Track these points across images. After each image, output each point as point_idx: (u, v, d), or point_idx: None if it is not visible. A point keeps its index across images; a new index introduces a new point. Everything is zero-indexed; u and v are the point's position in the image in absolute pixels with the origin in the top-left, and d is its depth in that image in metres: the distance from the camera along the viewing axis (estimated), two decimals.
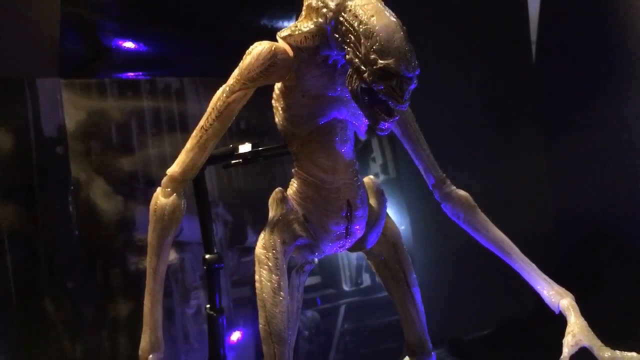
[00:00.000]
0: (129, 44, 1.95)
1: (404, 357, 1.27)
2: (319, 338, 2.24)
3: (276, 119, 1.10)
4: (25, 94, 1.81)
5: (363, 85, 0.93)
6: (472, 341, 2.56)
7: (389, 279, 1.22)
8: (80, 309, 1.85)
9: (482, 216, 1.18)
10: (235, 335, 2.13)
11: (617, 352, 1.00)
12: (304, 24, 1.00)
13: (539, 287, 1.12)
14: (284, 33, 1.02)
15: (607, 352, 1.00)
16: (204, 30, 2.07)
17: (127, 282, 1.91)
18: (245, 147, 1.27)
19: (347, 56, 0.94)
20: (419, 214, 2.55)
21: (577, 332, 1.03)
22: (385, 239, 1.19)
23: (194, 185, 1.51)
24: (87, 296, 1.87)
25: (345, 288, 2.34)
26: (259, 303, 1.03)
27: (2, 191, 1.81)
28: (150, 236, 1.08)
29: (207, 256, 1.53)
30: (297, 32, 1.00)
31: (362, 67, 0.91)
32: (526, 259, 1.14)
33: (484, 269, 2.72)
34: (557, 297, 1.09)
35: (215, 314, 1.53)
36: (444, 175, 1.20)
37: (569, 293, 1.09)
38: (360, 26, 0.91)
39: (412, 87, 0.92)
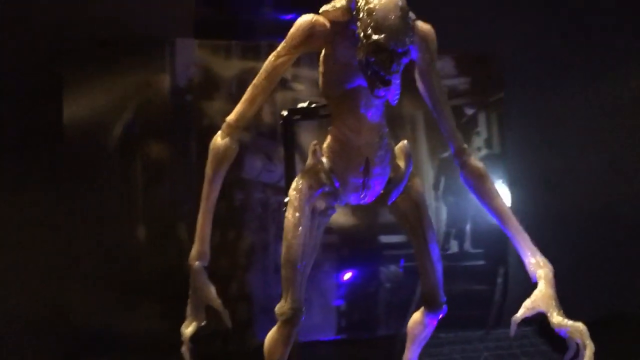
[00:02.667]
0: (253, 12, 2.25)
1: (420, 307, 1.40)
2: (400, 292, 2.39)
3: (319, 83, 1.29)
4: (166, 50, 2.21)
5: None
6: None
7: (408, 233, 1.34)
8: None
9: (490, 186, 1.26)
10: (347, 275, 2.38)
11: (567, 320, 1.05)
12: (338, 2, 1.17)
13: (524, 255, 1.19)
14: (324, 8, 1.20)
15: (557, 318, 1.06)
16: (321, 3, 2.28)
17: (232, 214, 2.26)
18: (304, 105, 1.49)
19: (357, 30, 1.10)
20: (523, 192, 2.54)
21: (538, 298, 1.10)
22: (409, 197, 1.32)
23: (283, 138, 1.75)
24: None
25: None
26: (283, 235, 1.25)
27: (151, 131, 2.23)
28: (207, 168, 1.33)
29: (285, 200, 1.77)
30: (332, 8, 1.18)
31: (363, 41, 1.07)
32: (520, 229, 1.21)
33: (590, 257, 2.64)
34: (536, 266, 1.16)
35: None
36: (465, 145, 1.30)
37: (548, 265, 1.15)
38: (367, 5, 1.07)
39: (404, 60, 1.06)
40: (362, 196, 1.28)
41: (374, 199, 1.31)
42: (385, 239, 2.39)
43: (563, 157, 2.65)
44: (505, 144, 2.52)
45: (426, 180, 2.46)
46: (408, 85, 1.29)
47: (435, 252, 1.33)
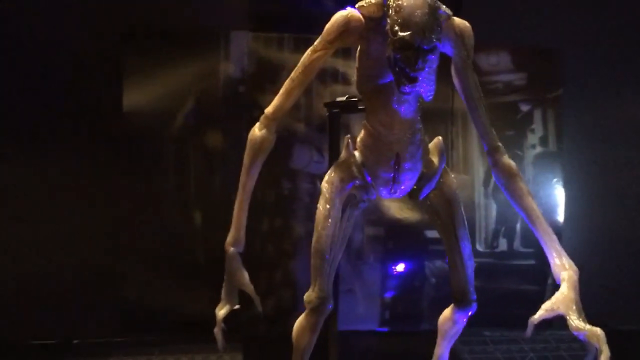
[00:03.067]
0: (306, 6, 2.29)
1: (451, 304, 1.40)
2: (444, 288, 2.37)
3: (354, 78, 1.31)
4: (220, 42, 2.28)
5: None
6: (625, 332, 2.42)
7: (439, 229, 1.35)
8: None
9: (521, 185, 1.25)
10: (400, 266, 2.40)
11: (586, 324, 1.03)
12: None
13: (550, 256, 1.17)
14: (359, 4, 1.22)
15: (576, 322, 1.04)
16: None
17: (280, 203, 2.32)
18: (342, 99, 1.51)
19: (386, 27, 1.11)
20: (577, 192, 2.46)
21: (559, 300, 1.08)
22: (442, 194, 1.32)
23: (329, 129, 1.78)
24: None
25: (479, 249, 2.41)
26: (315, 225, 1.28)
27: (205, 121, 2.32)
28: (245, 158, 1.37)
29: None
30: (367, 4, 1.20)
31: (391, 37, 1.08)
32: (549, 230, 1.19)
33: None
34: (561, 268, 1.14)
35: None
36: (498, 143, 1.29)
37: (574, 267, 1.12)
38: (396, 2, 1.08)
39: (430, 57, 1.06)
40: (392, 190, 1.30)
41: (405, 193, 1.33)
42: (431, 233, 2.38)
43: (621, 157, 2.54)
44: (562, 141, 2.44)
45: (476, 177, 2.43)
46: None
47: (467, 250, 1.33)
